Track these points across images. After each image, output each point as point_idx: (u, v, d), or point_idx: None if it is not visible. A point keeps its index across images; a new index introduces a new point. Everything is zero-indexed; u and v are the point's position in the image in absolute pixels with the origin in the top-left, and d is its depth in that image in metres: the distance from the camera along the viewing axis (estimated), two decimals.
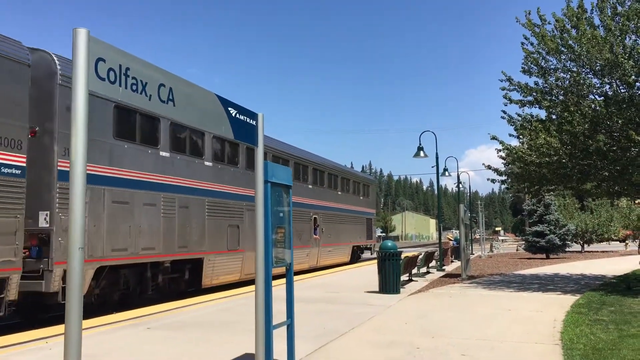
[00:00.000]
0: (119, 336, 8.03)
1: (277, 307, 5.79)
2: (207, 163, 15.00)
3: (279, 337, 5.95)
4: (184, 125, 13.49)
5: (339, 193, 26.12)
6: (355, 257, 28.69)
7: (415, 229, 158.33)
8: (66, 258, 3.03)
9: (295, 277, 13.60)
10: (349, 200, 27.44)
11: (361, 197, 29.91)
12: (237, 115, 4.68)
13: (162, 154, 13.12)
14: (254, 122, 5.01)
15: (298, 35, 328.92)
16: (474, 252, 38.41)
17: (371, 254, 30.87)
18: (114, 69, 3.20)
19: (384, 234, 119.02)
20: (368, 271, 19.98)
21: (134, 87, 3.38)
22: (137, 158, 12.25)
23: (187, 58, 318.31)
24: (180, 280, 14.20)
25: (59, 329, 8.29)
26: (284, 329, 6.07)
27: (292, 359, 6.11)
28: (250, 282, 13.98)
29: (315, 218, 22.81)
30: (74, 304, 2.85)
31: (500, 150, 16.32)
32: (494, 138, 16.10)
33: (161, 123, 13.04)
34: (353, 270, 22.07)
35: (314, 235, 22.44)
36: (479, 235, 48.21)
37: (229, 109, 4.55)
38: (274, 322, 5.66)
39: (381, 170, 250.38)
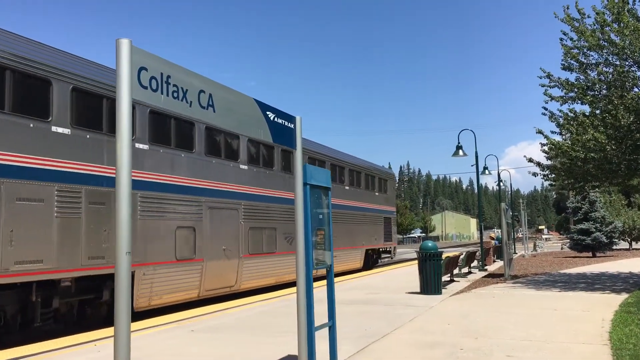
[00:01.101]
0: (164, 338, 8.19)
1: (317, 308, 5.81)
2: (139, 145, 11.27)
3: (321, 339, 5.97)
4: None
5: (346, 188, 22.24)
6: (370, 262, 24.88)
7: (456, 228, 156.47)
8: None
9: (318, 284, 13.56)
10: (359, 196, 23.67)
11: (376, 193, 25.77)
12: (276, 119, 4.73)
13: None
14: (292, 125, 5.05)
15: (335, 37, 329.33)
16: (516, 252, 37.71)
17: (391, 258, 28.36)
18: (155, 77, 3.28)
19: (423, 234, 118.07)
20: (407, 272, 19.84)
21: (175, 94, 3.46)
22: None
23: (221, 63, 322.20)
24: (100, 304, 10.70)
25: (108, 331, 8.51)
26: (325, 330, 6.10)
27: None
28: (215, 299, 13.38)
29: None
30: (122, 307, 2.93)
31: (544, 145, 15.99)
32: (539, 132, 15.77)
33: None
34: (392, 272, 21.95)
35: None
36: (522, 234, 47.35)
37: (267, 113, 4.60)
38: (316, 323, 5.68)
39: (419, 170, 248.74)
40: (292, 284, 15.26)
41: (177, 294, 12.10)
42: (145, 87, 3.21)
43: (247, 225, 14.86)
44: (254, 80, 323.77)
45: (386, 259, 28.24)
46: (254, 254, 15.10)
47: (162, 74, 3.34)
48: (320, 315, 6.04)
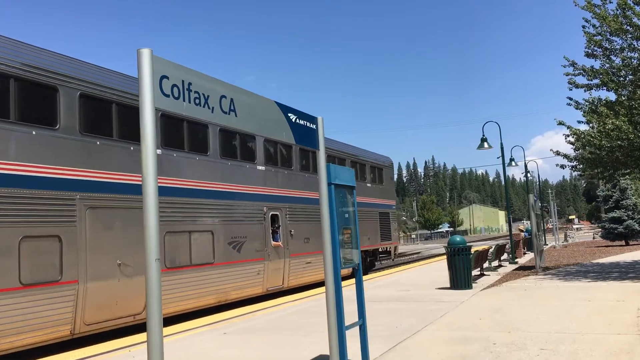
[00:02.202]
0: (198, 341, 8.28)
1: (347, 307, 5.81)
2: None
3: (352, 337, 5.98)
4: None
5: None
6: (362, 266, 20.61)
7: (484, 221, 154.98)
8: None
9: (347, 282, 13.43)
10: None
11: (368, 184, 21.77)
12: (297, 121, 4.75)
13: None
14: (314, 126, 5.06)
15: (352, 35, 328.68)
16: (547, 243, 37.20)
17: (392, 260, 24.96)
18: (177, 84, 3.32)
19: (451, 229, 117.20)
20: (437, 268, 19.73)
21: (197, 101, 3.50)
22: None
23: (243, 67, 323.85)
24: None
25: (142, 337, 8.64)
26: (356, 329, 6.10)
27: (367, 359, 6.12)
28: (245, 301, 13.31)
29: (274, 216, 15.23)
30: (154, 312, 2.98)
31: (568, 136, 15.76)
32: (561, 123, 15.55)
33: None
34: (422, 268, 21.85)
35: (273, 242, 14.87)
36: (552, 224, 46.69)
37: (289, 114, 4.63)
38: (346, 322, 5.69)
39: (445, 164, 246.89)
40: (244, 302, 13.48)
41: (28, 334, 8.52)
42: (168, 95, 3.25)
43: (161, 229, 10.79)
44: (275, 82, 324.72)
45: (385, 262, 25.19)
46: (176, 268, 11.57)
47: (183, 81, 3.38)
48: (351, 314, 6.04)
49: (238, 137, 14.19)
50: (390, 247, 23.54)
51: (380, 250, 22.84)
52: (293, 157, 16.71)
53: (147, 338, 2.98)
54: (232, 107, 3.83)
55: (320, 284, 15.14)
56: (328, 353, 6.17)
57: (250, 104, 4.08)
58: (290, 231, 15.78)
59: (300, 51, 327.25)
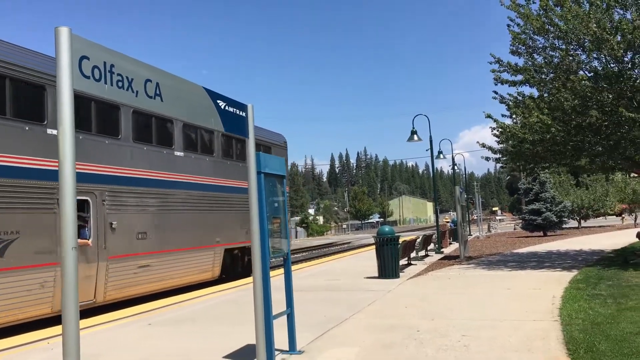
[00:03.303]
0: (122, 333, 8.05)
1: (276, 297, 5.80)
2: None
3: (280, 327, 5.98)
4: None
5: (180, 154, 14.07)
6: (240, 266, 16.96)
7: (413, 212, 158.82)
8: None
9: (276, 272, 13.45)
10: (213, 168, 15.49)
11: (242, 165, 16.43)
12: (227, 108, 4.66)
13: None
14: (244, 114, 4.99)
15: (289, 22, 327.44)
16: (471, 233, 38.57)
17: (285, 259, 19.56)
18: (98, 66, 3.18)
19: (382, 219, 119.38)
20: (367, 257, 20.05)
21: (120, 84, 3.36)
22: None
23: (175, 52, 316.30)
24: None
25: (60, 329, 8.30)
26: (284, 318, 6.11)
27: (294, 348, 6.15)
28: (180, 289, 12.89)
29: (82, 202, 10.90)
30: (70, 303, 2.85)
31: (494, 129, 16.34)
32: (488, 116, 16.09)
33: None
34: (352, 257, 22.15)
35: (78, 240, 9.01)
36: (476, 216, 48.44)
37: (218, 101, 4.54)
38: (274, 312, 5.68)
39: (377, 156, 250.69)
40: (186, 288, 13.56)
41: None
42: (88, 77, 3.11)
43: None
44: (205, 68, 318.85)
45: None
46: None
47: (105, 62, 3.23)
48: (279, 302, 6.04)
49: None
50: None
51: None
52: (122, 120, 12.13)
53: (63, 330, 2.86)
54: (157, 92, 3.70)
55: (174, 291, 13.04)
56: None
57: (177, 88, 3.97)
58: (112, 224, 11.46)
59: (228, 35, 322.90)
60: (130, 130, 12.36)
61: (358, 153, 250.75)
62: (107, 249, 11.32)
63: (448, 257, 19.53)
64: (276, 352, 5.76)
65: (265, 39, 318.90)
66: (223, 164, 16.00)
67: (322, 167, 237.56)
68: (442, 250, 22.52)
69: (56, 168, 8.18)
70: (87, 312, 10.16)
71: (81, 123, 10.59)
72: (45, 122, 10.30)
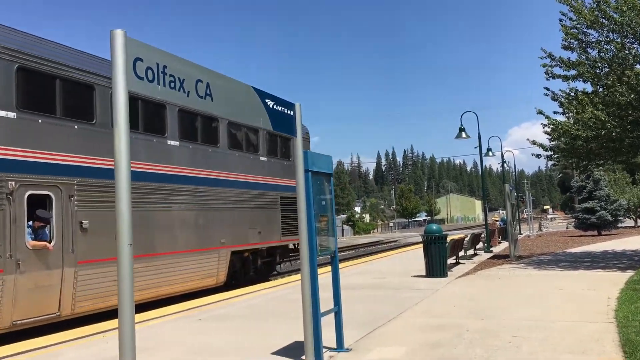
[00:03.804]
0: (172, 328, 8.24)
1: (323, 294, 5.83)
2: None
3: (328, 324, 6.00)
4: None
5: (172, 143, 12.34)
6: (252, 270, 15.32)
7: (461, 211, 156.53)
8: None
9: (323, 270, 13.50)
10: (220, 160, 13.88)
11: (263, 158, 15.72)
12: (275, 107, 4.71)
13: None
14: (292, 113, 5.03)
15: (332, 22, 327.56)
16: (522, 232, 37.74)
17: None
18: (151, 67, 3.27)
19: (428, 218, 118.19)
20: (413, 256, 19.90)
21: (172, 85, 3.45)
22: None
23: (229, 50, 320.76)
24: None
25: (115, 323, 8.57)
26: (332, 316, 6.13)
27: (342, 345, 6.16)
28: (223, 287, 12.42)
29: (41, 197, 9.41)
30: (126, 298, 2.94)
31: (545, 126, 15.93)
32: (540, 112, 15.69)
33: None
34: (398, 256, 22.03)
35: (30, 242, 9.02)
36: (527, 214, 47.36)
37: (266, 100, 4.59)
38: (322, 309, 5.71)
39: (423, 154, 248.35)
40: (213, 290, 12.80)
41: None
42: (142, 78, 3.20)
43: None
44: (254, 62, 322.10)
45: (293, 261, 19.71)
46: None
47: (158, 64, 3.32)
48: (326, 301, 6.06)
49: None
50: (296, 243, 16.48)
51: (282, 247, 16.81)
52: (96, 103, 10.57)
53: (119, 324, 2.95)
54: (208, 92, 3.78)
55: (156, 303, 11.08)
56: (303, 339, 6.20)
57: (227, 88, 4.04)
58: (82, 223, 9.85)
59: (281, 32, 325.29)
60: (107, 115, 10.53)
61: (405, 151, 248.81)
62: (74, 253, 9.68)
63: (497, 257, 19.17)
64: (324, 350, 5.78)
65: (311, 39, 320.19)
66: (230, 155, 14.24)
67: (369, 165, 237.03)
68: (491, 249, 22.12)
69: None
70: (142, 307, 10.12)
71: (59, 107, 9.83)
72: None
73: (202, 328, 8.16)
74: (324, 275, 7.90)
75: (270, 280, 16.02)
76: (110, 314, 9.79)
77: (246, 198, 14.62)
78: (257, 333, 7.57)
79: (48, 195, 9.41)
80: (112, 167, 8.86)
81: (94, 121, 10.45)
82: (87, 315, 9.99)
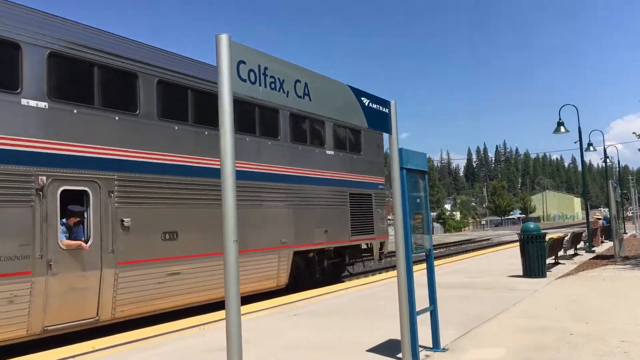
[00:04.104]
0: (266, 323, 8.45)
1: (417, 293, 5.77)
2: None
3: (421, 323, 5.94)
4: None
5: (244, 139, 11.84)
6: (317, 272, 14.41)
7: (558, 208, 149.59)
8: None
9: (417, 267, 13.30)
10: (278, 154, 12.97)
11: (329, 152, 14.81)
12: (370, 105, 4.72)
13: None
14: (387, 110, 5.02)
15: (425, 20, 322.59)
16: (627, 231, 35.51)
17: (379, 260, 17.30)
18: (253, 69, 3.37)
19: (523, 215, 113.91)
20: (508, 255, 19.25)
21: (273, 85, 3.54)
22: None
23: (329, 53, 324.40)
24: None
25: (213, 316, 8.92)
26: (424, 315, 6.05)
27: (438, 345, 6.08)
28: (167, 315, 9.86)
29: (75, 194, 8.81)
30: (232, 293, 3.06)
31: None
32: None
33: None
34: (491, 255, 21.39)
35: (63, 241, 8.47)
36: (632, 212, 44.49)
37: (362, 98, 4.61)
38: (417, 308, 5.66)
39: (517, 149, 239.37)
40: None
41: None
42: (245, 80, 3.30)
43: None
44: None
45: (367, 262, 17.71)
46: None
47: (259, 66, 3.42)
48: (419, 299, 5.99)
49: None
50: (372, 242, 16.30)
51: (352, 248, 15.72)
52: (140, 93, 9.92)
53: (226, 316, 3.07)
54: (306, 92, 3.85)
55: (198, 309, 10.40)
56: (398, 337, 6.17)
57: (324, 88, 4.10)
58: (123, 221, 9.26)
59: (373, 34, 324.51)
60: (154, 105, 10.13)
61: (497, 146, 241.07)
62: (114, 253, 9.09)
63: (601, 257, 18.15)
64: (419, 349, 5.73)
65: (406, 38, 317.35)
66: (292, 149, 13.37)
67: (459, 162, 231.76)
68: (593, 249, 20.98)
69: (24, 147, 7.83)
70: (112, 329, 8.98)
71: (100, 98, 9.25)
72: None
73: (296, 323, 8.31)
74: (417, 273, 7.81)
75: (345, 281, 15.25)
76: (210, 307, 10.21)
77: (310, 194, 13.75)
78: (351, 329, 7.61)
79: (84, 191, 8.83)
80: (156, 161, 9.27)
81: (137, 112, 9.83)
82: (129, 319, 9.38)
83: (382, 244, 16.71)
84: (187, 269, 10.28)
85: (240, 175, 11.20)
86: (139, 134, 9.72)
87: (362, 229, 15.59)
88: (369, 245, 16.29)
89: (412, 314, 5.36)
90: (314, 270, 14.22)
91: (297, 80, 3.77)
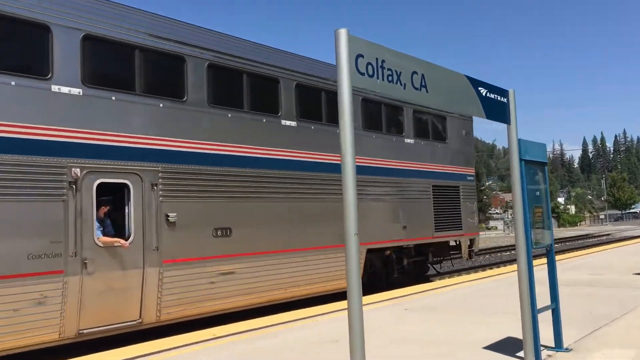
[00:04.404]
0: (377, 316, 8.44)
1: (536, 289, 5.52)
2: None
3: (542, 322, 5.68)
4: None
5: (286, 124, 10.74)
6: (397, 270, 13.13)
7: None
8: None
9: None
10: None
11: (409, 140, 13.58)
12: (488, 94, 4.58)
13: None
14: (505, 100, 4.84)
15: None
16: None
17: (468, 258, 15.68)
18: (371, 63, 3.37)
19: None
20: (632, 252, 17.99)
21: (390, 78, 3.52)
22: None
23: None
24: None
25: (321, 308, 9.07)
26: (546, 313, 5.78)
27: (560, 345, 5.80)
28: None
29: (114, 187, 8.22)
30: (354, 284, 3.09)
31: None
32: None
33: None
34: (614, 251, 20.07)
35: (101, 237, 7.93)
36: None
37: (479, 88, 4.47)
38: (537, 305, 5.42)
39: (638, 139, 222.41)
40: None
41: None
42: (363, 74, 3.31)
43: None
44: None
45: (456, 258, 16.07)
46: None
47: (377, 59, 3.41)
48: (539, 296, 5.72)
49: None
50: (460, 239, 14.92)
51: (436, 245, 14.41)
52: (187, 78, 9.23)
53: (348, 307, 3.12)
54: (423, 83, 3.79)
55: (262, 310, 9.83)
56: (515, 335, 5.98)
57: (441, 79, 4.02)
58: (168, 216, 8.55)
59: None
60: (209, 92, 9.50)
61: (616, 136, 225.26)
62: (159, 251, 8.40)
63: None
64: (541, 348, 5.49)
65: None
66: (365, 137, 12.12)
67: (573, 152, 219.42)
68: None
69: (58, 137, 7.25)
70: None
71: (150, 85, 8.67)
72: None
73: (408, 317, 8.25)
74: (535, 268, 7.49)
75: (433, 280, 14.46)
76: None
77: (385, 187, 12.59)
78: (464, 325, 7.44)
79: (125, 184, 8.18)
80: (206, 151, 8.61)
81: (185, 98, 9.06)
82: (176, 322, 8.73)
83: (472, 241, 15.29)
84: (242, 268, 9.50)
85: (305, 166, 10.87)
86: (184, 123, 8.99)
87: (448, 224, 14.34)
88: (458, 242, 15.05)
89: (534, 312, 5.14)
90: (392, 269, 13.04)
91: (414, 72, 3.72)
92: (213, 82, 9.51)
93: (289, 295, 10.45)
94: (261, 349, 6.67)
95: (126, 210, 8.17)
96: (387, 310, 8.97)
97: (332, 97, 10.98)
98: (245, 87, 10.05)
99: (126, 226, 8.18)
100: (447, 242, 14.85)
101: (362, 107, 12.25)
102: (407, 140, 13.52)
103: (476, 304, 9.31)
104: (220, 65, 9.68)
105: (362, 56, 3.30)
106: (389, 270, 13.02)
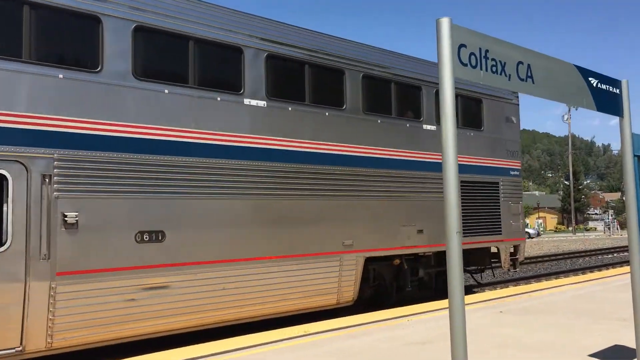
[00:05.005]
0: (472, 319, 8.15)
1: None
2: None
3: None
4: None
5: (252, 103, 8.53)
6: (409, 282, 10.85)
7: None
8: None
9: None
10: (352, 134, 9.77)
11: (428, 126, 11.24)
12: (599, 85, 4.27)
13: None
14: (618, 91, 4.50)
15: None
16: None
17: (509, 269, 13.26)
18: (474, 53, 3.22)
19: None
20: None
21: (494, 69, 3.35)
22: None
23: None
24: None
25: (417, 308, 8.91)
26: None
27: None
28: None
29: (4, 177, 6.36)
30: (456, 283, 2.97)
31: None
32: None
33: None
34: None
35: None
36: None
37: (590, 79, 4.18)
38: None
39: None
40: None
41: None
42: (465, 64, 3.16)
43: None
44: None
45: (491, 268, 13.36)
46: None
47: (480, 49, 3.25)
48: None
49: None
50: (501, 245, 12.31)
51: (466, 252, 11.39)
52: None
53: (449, 305, 3.01)
54: (529, 74, 3.58)
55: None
56: (623, 343, 5.61)
57: (548, 69, 3.78)
58: (65, 216, 6.62)
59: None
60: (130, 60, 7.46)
61: None
62: (50, 261, 6.54)
63: None
64: None
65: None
66: (367, 121, 10.07)
67: None
68: None
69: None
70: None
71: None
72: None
73: (505, 320, 7.92)
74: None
75: (475, 292, 12.81)
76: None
77: (392, 182, 10.30)
78: (563, 331, 7.04)
79: (5, 176, 6.35)
80: (125, 135, 6.95)
81: (99, 69, 7.09)
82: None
83: (515, 248, 12.80)
84: (177, 282, 7.49)
85: (295, 156, 8.87)
86: (94, 98, 7.04)
87: (483, 228, 11.77)
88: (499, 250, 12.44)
89: None
90: (405, 282, 10.81)
91: (520, 62, 3.52)
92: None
93: (245, 315, 8.28)
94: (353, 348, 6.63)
95: (3, 208, 6.34)
96: (482, 312, 8.67)
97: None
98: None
99: (3, 229, 6.32)
100: (485, 248, 12.33)
101: (363, 85, 10.06)
102: (426, 127, 11.17)
103: (578, 308, 8.81)
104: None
105: (465, 46, 3.15)
106: (400, 283, 10.85)
